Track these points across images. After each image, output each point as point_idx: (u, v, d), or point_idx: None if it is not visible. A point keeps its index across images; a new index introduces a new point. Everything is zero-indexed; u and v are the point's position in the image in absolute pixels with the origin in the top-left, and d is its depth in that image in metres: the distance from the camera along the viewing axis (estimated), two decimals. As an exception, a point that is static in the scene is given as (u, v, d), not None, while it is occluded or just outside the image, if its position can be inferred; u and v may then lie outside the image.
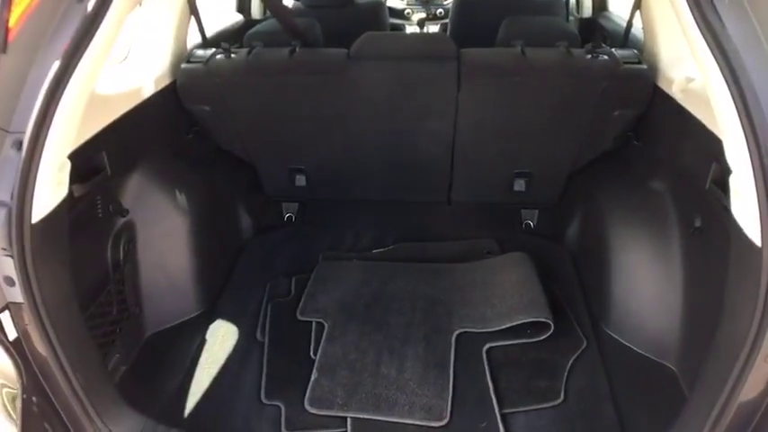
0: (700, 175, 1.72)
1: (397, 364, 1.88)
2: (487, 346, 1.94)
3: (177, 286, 2.10)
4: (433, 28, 4.18)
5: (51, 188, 1.37)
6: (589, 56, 2.06)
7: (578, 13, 3.34)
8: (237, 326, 2.09)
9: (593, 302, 2.12)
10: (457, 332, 1.98)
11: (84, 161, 1.70)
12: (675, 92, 1.91)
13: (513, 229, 2.57)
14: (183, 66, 2.17)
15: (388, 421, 1.72)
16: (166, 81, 2.16)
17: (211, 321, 2.11)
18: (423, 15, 4.35)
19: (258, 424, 1.75)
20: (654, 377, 1.84)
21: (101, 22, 1.33)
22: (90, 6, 1.32)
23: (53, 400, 1.50)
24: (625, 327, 1.99)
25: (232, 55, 2.17)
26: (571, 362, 1.89)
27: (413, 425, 1.71)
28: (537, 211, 2.59)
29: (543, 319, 1.91)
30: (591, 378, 1.85)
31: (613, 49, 2.13)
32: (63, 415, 1.53)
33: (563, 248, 2.42)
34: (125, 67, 2.10)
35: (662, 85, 2.00)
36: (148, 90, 2.05)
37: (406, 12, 4.45)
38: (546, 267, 2.29)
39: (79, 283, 1.76)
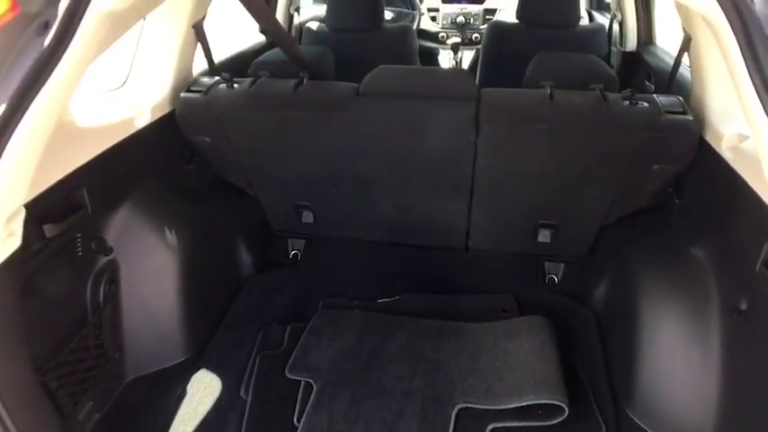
0: (749, 252, 1.47)
1: (387, 441, 1.68)
2: (491, 426, 1.72)
3: (161, 330, 1.96)
4: (468, 53, 3.98)
5: (-1, 241, 1.24)
6: (627, 102, 1.83)
7: (621, 45, 3.07)
8: (222, 378, 1.93)
9: (617, 380, 1.87)
10: (458, 407, 1.76)
11: (58, 200, 1.59)
12: (724, 150, 1.65)
13: (536, 284, 2.33)
14: (183, 95, 2.04)
15: None
16: (165, 110, 2.04)
17: (196, 370, 1.96)
18: (458, 40, 4.15)
19: (228, 499, 1.59)
20: None
21: (59, 59, 1.20)
22: (48, 41, 1.20)
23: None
24: (650, 413, 1.73)
25: (234, 85, 2.02)
26: (585, 454, 1.66)
27: None
28: (563, 264, 2.35)
29: (556, 403, 1.68)
30: (607, 475, 1.61)
31: (655, 96, 1.88)
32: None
33: (588, 310, 2.17)
34: (120, 95, 1.99)
35: (709, 139, 1.75)
36: (143, 120, 1.93)
37: (440, 35, 4.26)
38: (567, 331, 2.05)
39: (51, 327, 1.65)
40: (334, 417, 1.75)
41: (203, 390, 1.90)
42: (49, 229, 1.55)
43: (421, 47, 3.26)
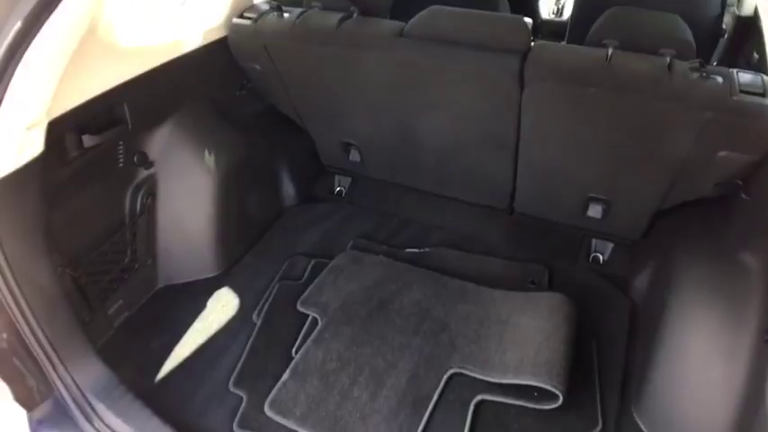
0: None
1: (371, 389, 1.70)
2: (479, 397, 1.67)
3: (193, 246, 2.09)
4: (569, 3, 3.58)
5: (15, 147, 1.35)
6: (696, 75, 1.57)
7: (738, 8, 2.61)
8: (240, 299, 2.04)
9: (631, 377, 1.73)
10: (452, 371, 1.73)
11: (98, 114, 1.69)
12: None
13: (577, 260, 2.17)
14: (234, 20, 2.05)
15: (336, 452, 1.57)
16: (220, 34, 2.07)
17: (219, 287, 2.08)
18: None
19: (215, 410, 1.70)
20: None
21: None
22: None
23: (23, 339, 1.57)
24: (657, 419, 1.60)
25: (285, 14, 1.99)
26: (571, 446, 1.57)
27: (359, 465, 1.55)
28: (611, 245, 2.15)
29: (550, 389, 1.59)
30: (587, 473, 1.53)
31: (735, 71, 1.60)
32: (36, 357, 1.60)
33: (624, 298, 1.99)
34: (176, 15, 2.03)
35: None
36: (193, 43, 1.97)
37: None
38: (596, 315, 1.91)
39: (88, 228, 1.81)
40: (330, 355, 1.80)
41: (221, 308, 2.02)
42: (87, 140, 1.67)
43: None
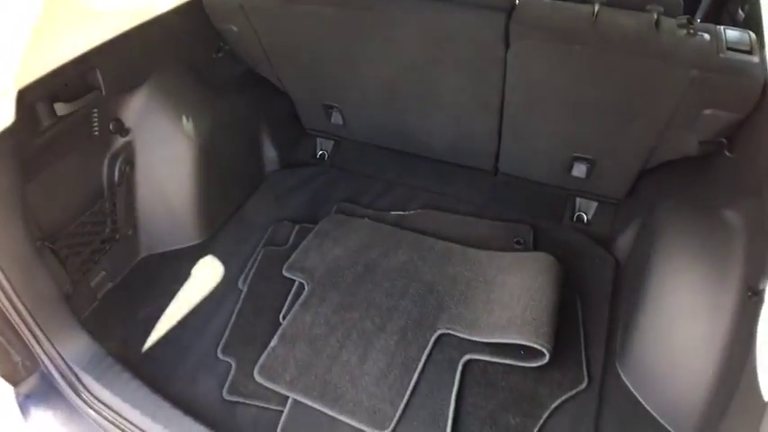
0: None
1: (360, 352, 1.71)
2: (467, 356, 1.69)
3: (174, 214, 2.05)
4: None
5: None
6: (683, 32, 1.55)
7: None
8: (225, 266, 2.02)
9: (616, 334, 1.77)
10: (439, 332, 1.75)
11: (70, 80, 1.62)
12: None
13: (562, 220, 2.18)
14: None
15: (328, 414, 1.59)
16: None
17: (203, 255, 2.05)
18: None
19: (204, 378, 1.70)
20: None
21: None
22: None
23: (5, 315, 1.54)
24: (641, 374, 1.64)
25: (261, -28, 1.92)
26: (558, 402, 1.60)
27: (351, 426, 1.57)
28: (596, 204, 2.16)
29: (537, 347, 1.61)
30: (573, 428, 1.56)
31: (722, 28, 1.58)
32: (19, 332, 1.58)
33: (609, 256, 2.01)
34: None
35: None
36: (167, 4, 1.89)
37: None
38: (580, 273, 1.93)
39: (65, 199, 1.77)
40: (317, 320, 1.80)
41: (205, 275, 2.00)
42: (60, 108, 1.60)
43: None
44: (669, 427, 1.52)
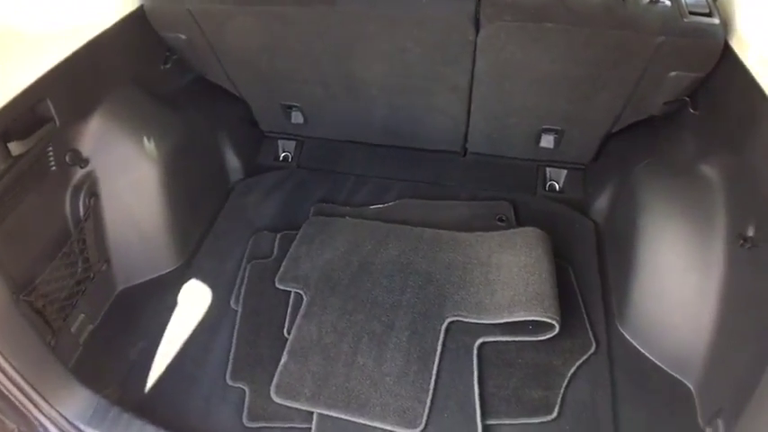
0: (765, 177, 1.36)
1: (375, 354, 1.69)
2: (480, 340, 1.72)
3: (148, 240, 1.92)
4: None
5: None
6: (646, 1, 1.61)
7: None
8: (212, 288, 1.93)
9: (612, 294, 1.85)
10: (449, 320, 1.76)
11: (20, 116, 1.47)
12: (751, 61, 1.48)
13: (535, 191, 2.24)
14: None
15: (358, 423, 1.57)
16: (133, 5, 1.83)
17: (186, 279, 1.95)
18: None
19: (219, 409, 1.63)
20: (666, 395, 1.61)
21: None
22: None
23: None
24: (643, 331, 1.73)
25: (205, -26, 1.80)
26: (573, 369, 1.67)
27: (383, 430, 1.56)
28: (565, 171, 2.24)
29: (547, 320, 1.66)
30: (592, 391, 1.63)
31: None
32: (10, 397, 1.44)
33: (588, 220, 2.10)
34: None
35: (735, 46, 1.56)
36: (109, 19, 1.74)
37: None
38: (564, 241, 2.00)
39: (32, 246, 1.61)
40: (324, 329, 1.76)
41: (194, 300, 1.90)
42: (15, 147, 1.46)
43: None
44: (678, 376, 1.62)
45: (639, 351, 1.71)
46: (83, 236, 1.76)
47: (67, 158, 1.69)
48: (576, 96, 1.88)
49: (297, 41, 1.87)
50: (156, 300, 1.90)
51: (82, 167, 1.74)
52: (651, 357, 1.69)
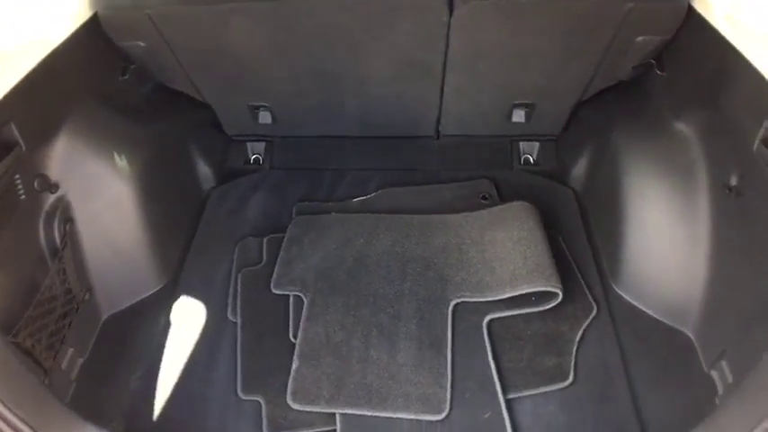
0: (743, 128, 1.43)
1: (387, 347, 1.68)
2: (488, 318, 1.74)
3: (130, 262, 1.83)
4: None
5: None
6: (615, -32, 1.66)
7: None
8: (205, 303, 1.85)
9: (604, 256, 1.91)
10: (453, 302, 1.77)
11: None
12: (717, 18, 1.55)
13: (512, 166, 2.27)
14: None
15: (382, 417, 1.56)
16: (86, 14, 1.72)
17: (175, 298, 1.87)
18: None
19: (236, 424, 1.58)
20: (670, 346, 1.67)
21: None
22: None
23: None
24: (639, 288, 1.79)
25: (162, -24, 1.71)
26: (580, 333, 1.71)
27: (409, 420, 1.55)
28: (538, 144, 2.29)
29: (550, 290, 1.70)
30: (602, 351, 1.68)
31: None
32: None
33: (567, 189, 2.16)
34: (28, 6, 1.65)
35: (698, 7, 1.63)
36: (64, 31, 1.63)
37: None
38: (548, 211, 2.04)
39: (11, 285, 1.49)
40: (331, 327, 1.73)
41: (188, 317, 1.82)
42: None
43: None
44: (678, 326, 1.69)
45: (637, 308, 1.77)
46: (62, 265, 1.65)
47: (36, 185, 1.58)
48: (547, 68, 1.92)
49: (265, 37, 1.81)
50: (146, 323, 1.81)
51: (53, 192, 1.62)
52: (649, 312, 1.75)
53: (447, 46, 1.83)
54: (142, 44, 1.82)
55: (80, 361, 1.70)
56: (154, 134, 1.94)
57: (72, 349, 1.67)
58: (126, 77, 1.93)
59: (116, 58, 1.88)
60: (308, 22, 1.75)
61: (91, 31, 1.73)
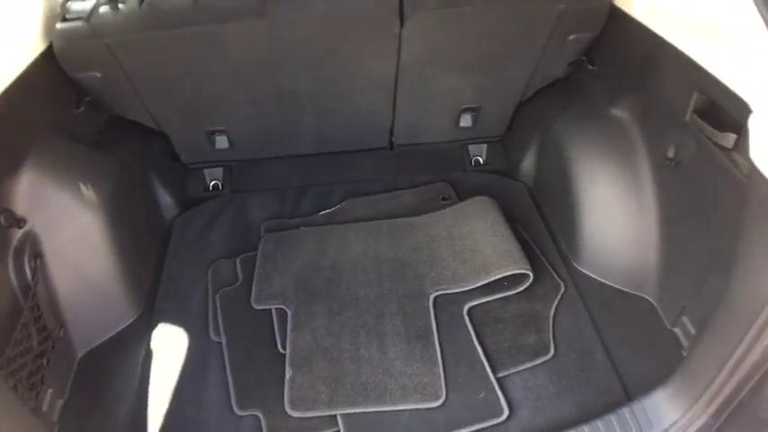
0: (675, 103, 1.61)
1: (377, 344, 1.72)
2: (467, 306, 1.82)
3: (102, 294, 1.78)
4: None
5: None
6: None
7: None
8: (185, 327, 1.83)
9: (562, 240, 2.05)
10: (433, 296, 1.84)
11: None
12: (637, 11, 1.75)
13: (464, 168, 2.41)
14: (59, 25, 1.70)
15: (383, 411, 1.59)
16: (40, 47, 1.70)
17: (153, 326, 1.83)
18: None
19: (237, 441, 1.56)
20: (634, 311, 1.81)
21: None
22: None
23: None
24: (598, 263, 1.93)
25: (120, 5, 1.72)
26: (553, 310, 1.83)
27: (409, 410, 1.59)
28: (485, 145, 2.44)
29: (522, 271, 1.81)
30: (575, 323, 1.80)
31: None
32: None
33: (518, 183, 2.31)
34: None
35: (620, 4, 1.83)
36: (21, 63, 1.60)
37: None
38: (505, 205, 2.17)
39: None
40: (318, 334, 1.75)
41: (169, 344, 1.79)
42: None
43: None
44: (639, 293, 1.84)
45: (599, 281, 1.91)
46: (36, 302, 1.59)
47: (2, 220, 1.52)
48: (492, 72, 2.07)
49: (224, 61, 1.85)
50: (125, 356, 1.76)
51: (20, 227, 1.57)
52: (611, 283, 1.89)
53: (399, 56, 1.95)
54: (98, 74, 1.82)
55: (60, 402, 1.62)
56: (116, 162, 1.92)
57: (51, 390, 1.60)
58: (81, 110, 1.91)
59: (70, 90, 1.86)
60: (267, 42, 1.81)
61: (46, 63, 1.71)
